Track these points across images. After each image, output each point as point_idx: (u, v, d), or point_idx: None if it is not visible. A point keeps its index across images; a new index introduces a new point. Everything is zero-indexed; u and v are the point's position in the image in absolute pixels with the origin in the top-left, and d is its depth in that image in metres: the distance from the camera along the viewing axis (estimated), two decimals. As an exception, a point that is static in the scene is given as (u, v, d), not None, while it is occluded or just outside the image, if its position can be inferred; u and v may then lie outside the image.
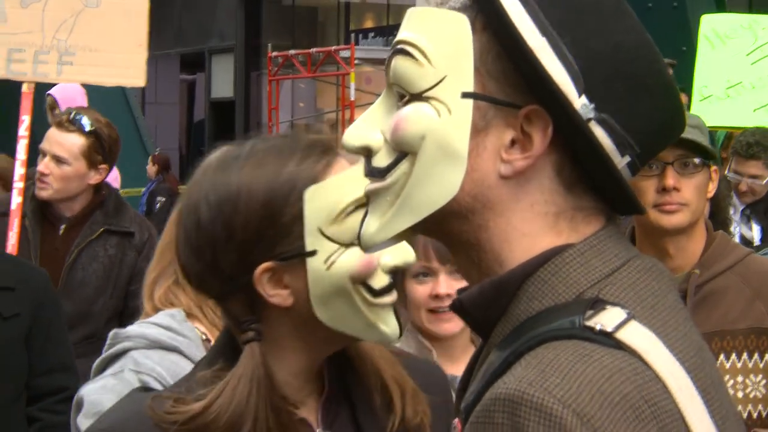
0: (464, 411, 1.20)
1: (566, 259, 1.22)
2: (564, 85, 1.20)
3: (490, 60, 1.23)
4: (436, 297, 2.60)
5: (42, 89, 5.52)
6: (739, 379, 2.81)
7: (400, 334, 1.64)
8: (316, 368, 1.67)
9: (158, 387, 2.02)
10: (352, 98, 14.93)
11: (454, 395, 1.60)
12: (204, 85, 23.62)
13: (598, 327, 1.15)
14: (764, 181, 5.39)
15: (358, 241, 1.32)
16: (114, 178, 5.46)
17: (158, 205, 13.06)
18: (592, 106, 1.21)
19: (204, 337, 2.27)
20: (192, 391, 1.57)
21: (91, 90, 6.77)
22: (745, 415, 2.80)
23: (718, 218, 4.27)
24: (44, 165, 4.17)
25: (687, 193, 2.80)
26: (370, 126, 1.29)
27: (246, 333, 1.59)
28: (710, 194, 2.93)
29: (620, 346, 1.14)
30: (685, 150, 2.79)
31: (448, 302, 2.51)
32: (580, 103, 1.21)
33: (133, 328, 2.26)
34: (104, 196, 4.30)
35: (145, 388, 1.75)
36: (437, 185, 1.23)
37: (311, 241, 1.57)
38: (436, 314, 2.62)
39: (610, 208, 1.28)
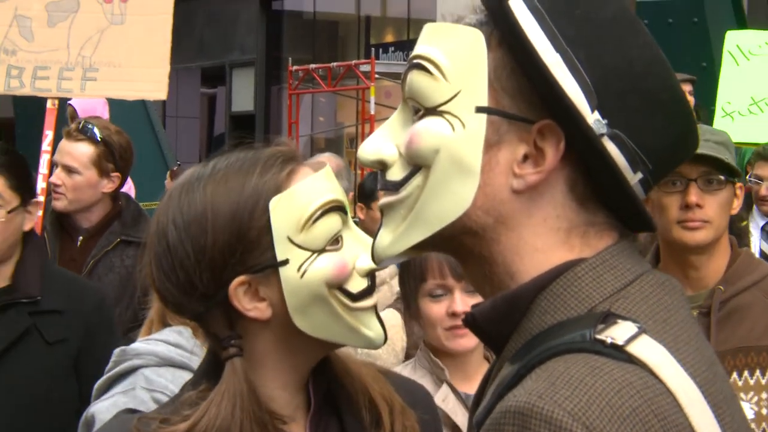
0: (476, 424, 1.20)
1: (578, 274, 1.22)
2: (577, 101, 1.21)
3: (505, 75, 1.24)
4: (453, 315, 2.60)
5: (65, 103, 5.54)
6: (764, 395, 2.80)
7: (385, 338, 1.64)
8: (304, 380, 1.67)
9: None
10: (372, 112, 14.91)
11: (440, 413, 1.59)
12: (225, 98, 23.66)
13: (609, 340, 1.15)
14: None
15: (371, 254, 1.33)
16: (128, 188, 5.45)
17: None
18: (605, 121, 1.22)
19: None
20: (178, 413, 1.57)
21: (113, 103, 6.80)
22: (769, 433, 2.79)
23: (731, 230, 4.25)
24: (56, 176, 4.19)
25: (710, 210, 2.79)
26: (385, 140, 1.31)
27: (227, 350, 1.59)
28: (734, 211, 2.91)
29: (631, 359, 1.14)
30: (709, 167, 2.78)
31: None
32: (593, 118, 1.21)
33: (142, 345, 2.23)
34: (122, 207, 4.30)
35: (131, 410, 1.74)
36: (450, 199, 1.24)
37: (282, 250, 1.57)
38: (452, 330, 2.62)
39: (623, 225, 1.28)
